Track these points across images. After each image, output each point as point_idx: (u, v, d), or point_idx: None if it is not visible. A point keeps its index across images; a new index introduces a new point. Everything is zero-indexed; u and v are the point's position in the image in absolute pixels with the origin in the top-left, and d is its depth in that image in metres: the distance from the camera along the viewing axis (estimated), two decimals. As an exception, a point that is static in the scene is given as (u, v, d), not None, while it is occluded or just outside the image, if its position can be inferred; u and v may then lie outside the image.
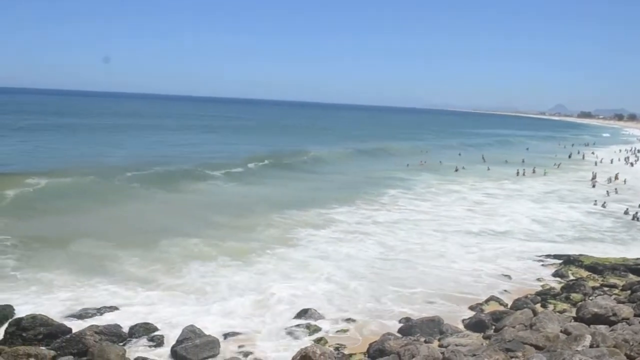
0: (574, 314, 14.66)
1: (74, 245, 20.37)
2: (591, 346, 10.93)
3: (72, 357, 11.85)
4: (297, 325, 14.32)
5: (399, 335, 13.70)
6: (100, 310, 14.70)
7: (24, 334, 12.74)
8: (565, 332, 12.28)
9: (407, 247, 22.80)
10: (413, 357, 11.03)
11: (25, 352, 11.63)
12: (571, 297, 16.54)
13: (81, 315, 14.38)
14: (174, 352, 12.55)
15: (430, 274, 19.27)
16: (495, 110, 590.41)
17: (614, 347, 10.83)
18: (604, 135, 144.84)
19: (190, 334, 12.81)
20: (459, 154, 68.76)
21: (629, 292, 16.74)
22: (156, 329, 13.68)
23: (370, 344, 12.86)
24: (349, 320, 14.92)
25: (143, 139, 65.32)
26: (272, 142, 68.72)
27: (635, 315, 13.78)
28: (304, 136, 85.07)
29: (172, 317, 14.51)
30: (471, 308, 16.08)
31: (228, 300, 15.88)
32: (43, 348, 12.13)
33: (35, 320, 13.04)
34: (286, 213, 27.88)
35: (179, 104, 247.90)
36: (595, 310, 13.85)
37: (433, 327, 13.87)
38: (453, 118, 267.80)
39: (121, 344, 12.79)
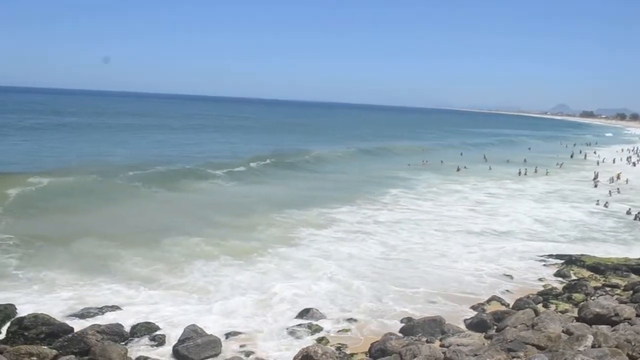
0: (575, 314, 14.67)
1: (76, 244, 20.42)
2: (593, 346, 10.92)
3: (74, 356, 11.86)
4: (299, 325, 14.33)
5: (400, 335, 13.71)
6: (102, 310, 14.73)
7: (26, 333, 12.76)
8: (567, 332, 12.28)
9: (408, 247, 22.80)
10: (415, 357, 11.03)
11: (27, 351, 11.65)
12: (573, 297, 16.53)
13: (83, 315, 14.40)
14: (175, 351, 12.56)
15: (431, 273, 19.26)
16: (497, 109, 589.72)
17: (616, 347, 10.83)
18: (607, 134, 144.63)
19: (192, 334, 12.82)
20: (461, 154, 68.74)
21: (631, 292, 16.74)
22: (158, 329, 13.70)
23: (372, 344, 12.86)
24: (350, 320, 14.93)
25: (145, 138, 65.41)
26: (274, 142, 68.77)
27: (637, 316, 13.78)
28: (306, 135, 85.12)
29: (173, 316, 14.53)
30: (473, 308, 16.07)
31: (230, 300, 15.89)
32: (45, 347, 12.14)
33: (37, 320, 13.06)
34: (288, 212, 27.90)
35: (180, 103, 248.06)
36: (597, 310, 13.84)
37: (435, 327, 13.86)
38: (454, 117, 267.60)
39: (123, 343, 12.80)
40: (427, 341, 12.86)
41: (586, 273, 19.60)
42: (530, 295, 16.84)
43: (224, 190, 35.79)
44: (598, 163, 63.88)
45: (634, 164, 64.29)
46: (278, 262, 19.86)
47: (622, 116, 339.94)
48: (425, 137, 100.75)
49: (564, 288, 17.82)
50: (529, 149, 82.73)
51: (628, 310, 13.87)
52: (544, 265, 20.94)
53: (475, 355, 10.88)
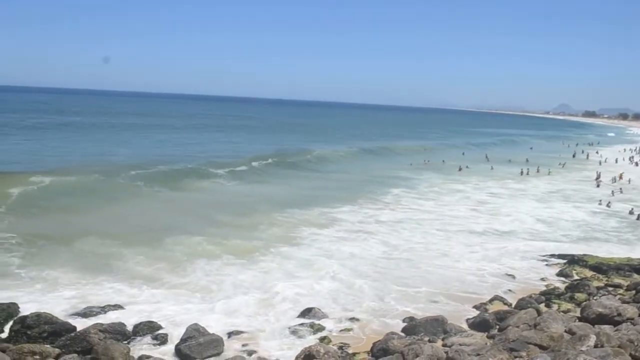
0: (578, 314, 14.64)
1: (78, 244, 20.45)
2: (595, 346, 10.91)
3: (76, 355, 11.88)
4: (301, 324, 14.33)
5: (402, 334, 13.70)
6: (104, 309, 14.75)
7: (28, 332, 12.79)
8: (570, 332, 12.26)
9: (410, 247, 22.79)
10: (417, 356, 11.03)
11: (30, 350, 11.68)
12: (575, 297, 16.51)
13: (85, 314, 14.42)
14: (177, 350, 12.58)
15: (434, 273, 19.25)
16: (499, 109, 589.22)
17: (619, 347, 10.81)
18: (609, 134, 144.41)
19: (194, 333, 12.84)
20: (463, 153, 68.71)
21: (633, 292, 16.69)
22: (160, 327, 13.72)
23: (374, 343, 12.86)
24: (352, 319, 14.93)
25: (147, 138, 65.49)
26: (276, 141, 68.83)
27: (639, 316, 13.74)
28: (308, 135, 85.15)
29: (176, 315, 14.55)
30: (475, 307, 16.06)
31: (232, 299, 15.90)
32: (47, 346, 12.17)
33: (40, 319, 13.09)
34: (289, 212, 27.92)
35: (181, 103, 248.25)
36: (600, 310, 13.82)
37: (437, 327, 13.85)
38: (456, 117, 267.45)
39: (125, 342, 12.82)
40: (429, 341, 12.86)
41: (589, 273, 19.58)
42: (533, 295, 16.82)
43: (226, 190, 35.84)
44: (600, 163, 63.77)
45: (637, 164, 64.13)
46: (280, 261, 19.87)
47: (624, 116, 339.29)
48: (427, 136, 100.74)
49: (567, 288, 17.80)
50: (531, 148, 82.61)
51: (631, 310, 13.84)
52: (547, 265, 20.91)
53: (478, 354, 10.87)
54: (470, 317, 15.15)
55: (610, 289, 17.63)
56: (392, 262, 20.42)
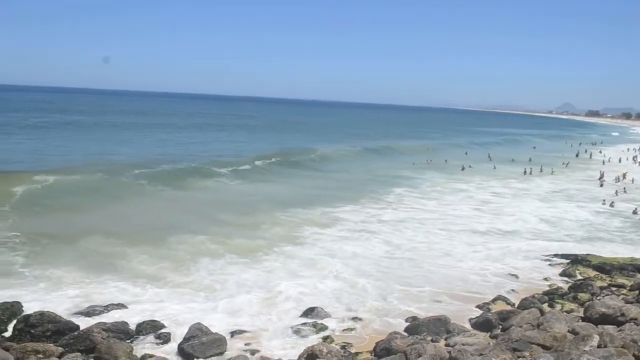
0: (581, 314, 14.59)
1: (82, 242, 20.51)
2: (599, 346, 10.88)
3: (79, 353, 11.92)
4: (304, 324, 14.34)
5: (405, 334, 13.69)
6: (107, 308, 14.78)
7: (32, 331, 12.83)
8: (573, 332, 12.23)
9: (413, 246, 22.78)
10: (419, 356, 11.02)
11: (33, 349, 11.72)
12: (579, 297, 16.47)
13: (89, 313, 14.46)
14: (180, 349, 12.60)
15: (436, 272, 19.24)
16: (502, 108, 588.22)
17: (622, 347, 10.78)
18: (613, 134, 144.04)
19: (197, 332, 12.86)
20: (466, 153, 68.64)
21: (637, 292, 16.62)
22: (163, 327, 13.74)
23: (377, 343, 12.85)
24: (355, 318, 14.94)
25: (149, 137, 65.62)
26: (278, 140, 68.86)
27: (643, 316, 13.69)
28: (310, 134, 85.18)
29: (179, 314, 14.57)
30: (478, 307, 16.05)
31: (235, 298, 15.92)
32: (51, 345, 12.19)
33: (44, 317, 13.12)
34: (292, 211, 27.94)
35: (182, 102, 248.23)
36: (603, 310, 13.77)
37: (440, 326, 13.84)
38: (459, 116, 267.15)
39: (128, 341, 12.87)
40: (432, 340, 12.84)
41: (592, 273, 19.53)
42: (536, 295, 16.79)
43: (228, 189, 35.88)
44: (604, 162, 63.63)
45: (640, 164, 63.98)
46: (283, 260, 19.89)
47: (627, 115, 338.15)
48: (429, 135, 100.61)
49: (570, 288, 17.77)
50: (534, 148, 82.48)
51: (634, 310, 13.78)
52: (550, 264, 20.88)
53: (481, 354, 10.86)
54: (473, 316, 15.13)
55: (613, 289, 17.57)
56: (394, 262, 20.41)
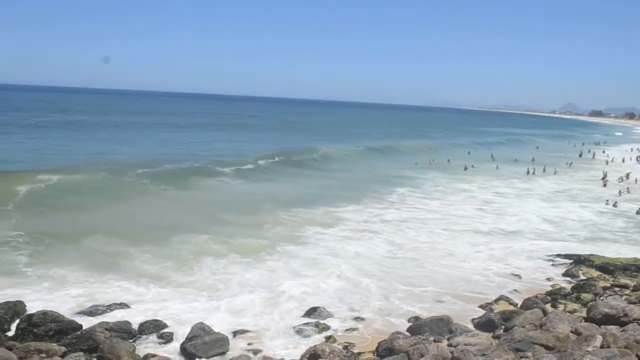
0: (584, 314, 14.58)
1: (85, 242, 20.55)
2: (602, 347, 10.87)
3: (82, 353, 11.93)
4: (306, 324, 14.34)
5: (408, 334, 13.68)
6: (110, 307, 14.79)
7: (35, 330, 12.85)
8: (576, 332, 12.21)
9: (415, 246, 22.76)
10: (422, 356, 11.02)
11: (36, 348, 11.75)
12: (582, 297, 16.44)
13: (91, 312, 14.47)
14: (183, 349, 12.61)
15: (439, 272, 19.22)
16: (505, 108, 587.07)
17: (625, 348, 10.77)
18: (616, 134, 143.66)
19: (200, 332, 12.87)
20: (469, 153, 68.59)
21: (640, 292, 16.61)
22: (166, 326, 13.76)
23: (379, 343, 12.85)
24: (357, 318, 14.93)
25: (151, 136, 65.75)
26: (280, 140, 68.92)
27: (646, 316, 13.65)
28: (312, 134, 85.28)
29: (182, 314, 14.58)
30: (481, 307, 16.02)
31: (239, 298, 15.92)
32: (54, 344, 12.23)
33: (46, 317, 13.15)
34: (294, 211, 27.94)
35: (183, 101, 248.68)
36: (606, 310, 13.75)
37: (442, 327, 13.83)
38: (462, 116, 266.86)
39: (131, 340, 12.88)
40: (434, 340, 12.84)
41: (595, 273, 19.49)
42: (539, 295, 16.76)
43: (231, 188, 35.92)
44: (607, 162, 63.46)
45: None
46: (286, 260, 19.89)
47: (631, 115, 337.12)
48: (432, 135, 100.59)
49: (573, 288, 17.73)
50: (537, 148, 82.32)
51: (637, 311, 13.76)
52: (553, 265, 20.83)
53: (483, 354, 10.85)
54: (476, 317, 15.11)
55: (616, 289, 17.53)
56: (397, 262, 20.40)
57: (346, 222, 26.48)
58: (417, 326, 14.03)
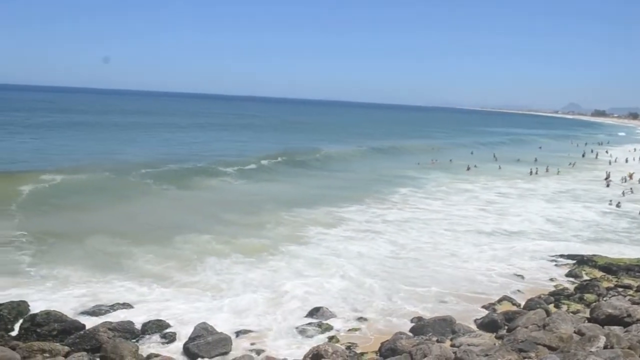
0: (587, 315, 14.55)
1: (89, 242, 20.57)
2: (605, 347, 10.85)
3: (85, 353, 11.94)
4: (309, 324, 14.34)
5: (410, 334, 13.68)
6: (113, 307, 14.82)
7: (38, 330, 12.89)
8: (579, 332, 12.20)
9: (418, 246, 22.74)
10: (425, 356, 11.01)
11: (39, 348, 11.77)
12: (585, 298, 16.41)
13: (94, 312, 14.49)
14: (186, 349, 12.63)
15: (442, 273, 19.20)
16: (508, 108, 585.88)
17: (629, 348, 10.75)
18: (620, 134, 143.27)
19: (203, 332, 12.89)
20: (471, 153, 68.50)
21: (643, 293, 16.56)
22: (168, 326, 13.78)
23: (382, 343, 12.84)
24: (360, 319, 14.92)
25: (153, 136, 65.84)
26: (282, 140, 68.95)
27: (650, 317, 13.62)
28: (313, 133, 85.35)
29: (185, 314, 14.59)
30: (484, 308, 16.00)
31: (241, 298, 15.92)
32: (57, 344, 12.24)
33: (50, 317, 13.18)
34: (297, 211, 27.95)
35: (184, 101, 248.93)
36: (610, 311, 13.72)
37: (445, 327, 13.81)
38: (465, 116, 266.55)
39: (134, 340, 12.90)
40: (437, 341, 12.82)
41: (598, 273, 19.44)
42: (542, 296, 16.71)
43: (234, 188, 35.96)
44: (610, 162, 63.33)
45: (647, 164, 63.60)
46: (289, 260, 19.89)
47: (634, 115, 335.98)
48: (434, 135, 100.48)
49: (576, 288, 17.69)
50: (540, 148, 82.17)
51: (641, 312, 13.73)
52: (556, 265, 20.79)
53: (486, 355, 10.84)
54: (479, 317, 15.08)
55: (620, 289, 17.47)
56: (400, 262, 20.38)
57: (348, 222, 26.47)
58: (420, 326, 14.01)
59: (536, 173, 50.36)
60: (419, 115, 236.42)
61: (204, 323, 13.28)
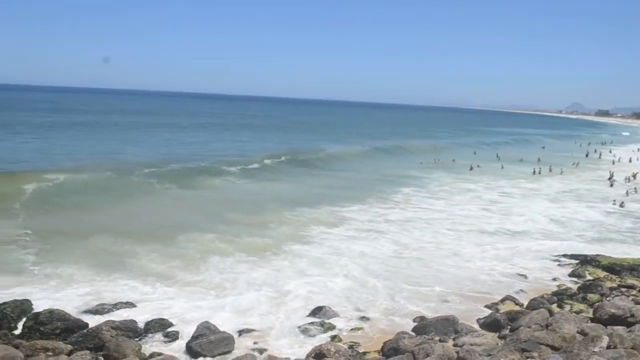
0: (590, 315, 14.50)
1: (92, 241, 20.63)
2: (608, 347, 10.82)
3: (88, 351, 11.97)
4: (312, 323, 14.34)
5: (413, 334, 13.65)
6: (116, 306, 14.85)
7: (41, 329, 12.93)
8: (582, 332, 12.17)
9: (420, 246, 22.73)
10: (427, 356, 11.00)
11: (42, 346, 11.81)
12: (588, 298, 16.36)
13: (98, 311, 14.53)
14: (188, 347, 12.65)
15: (445, 272, 19.18)
16: (511, 108, 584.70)
17: (632, 348, 10.71)
18: (623, 133, 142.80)
19: (205, 330, 12.91)
20: (474, 152, 68.42)
21: (647, 293, 16.51)
22: (171, 325, 13.80)
23: (385, 343, 12.84)
24: (363, 318, 14.93)
25: (155, 136, 65.98)
26: (285, 139, 69.06)
27: (653, 317, 13.57)
28: (315, 133, 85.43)
29: (187, 313, 14.62)
30: (486, 307, 15.98)
31: (244, 297, 15.95)
32: (60, 342, 12.28)
33: (53, 315, 13.23)
34: (299, 210, 27.96)
35: (184, 101, 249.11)
36: (613, 311, 13.68)
37: (448, 326, 13.79)
38: (468, 116, 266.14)
39: (137, 339, 12.94)
40: (440, 340, 12.80)
41: (601, 273, 19.38)
42: (545, 295, 16.68)
43: (237, 188, 36.01)
44: (614, 162, 63.19)
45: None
46: (292, 259, 19.92)
47: (638, 115, 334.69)
48: (437, 135, 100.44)
49: (579, 288, 17.64)
50: (543, 147, 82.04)
51: (644, 312, 13.69)
52: (559, 265, 20.75)
53: (489, 355, 10.83)
54: (482, 317, 15.05)
55: (623, 289, 17.41)
56: (402, 261, 20.38)
57: (351, 222, 26.48)
58: (423, 326, 14.00)
59: (539, 173, 50.26)
60: (421, 115, 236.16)
61: (207, 322, 13.31)
